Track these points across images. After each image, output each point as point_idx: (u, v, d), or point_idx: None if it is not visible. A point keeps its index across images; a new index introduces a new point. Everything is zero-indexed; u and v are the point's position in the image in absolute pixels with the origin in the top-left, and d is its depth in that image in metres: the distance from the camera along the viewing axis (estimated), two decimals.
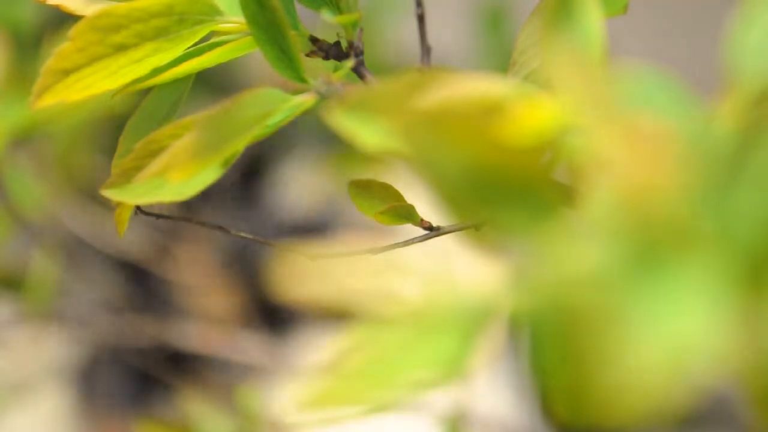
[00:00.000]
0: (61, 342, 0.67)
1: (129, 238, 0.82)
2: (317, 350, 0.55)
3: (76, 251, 0.84)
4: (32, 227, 0.61)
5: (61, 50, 0.31)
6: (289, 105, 0.30)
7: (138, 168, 0.32)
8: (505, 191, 0.24)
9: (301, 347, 0.74)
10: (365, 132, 0.27)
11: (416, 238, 0.37)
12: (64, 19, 0.31)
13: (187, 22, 0.31)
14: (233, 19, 0.32)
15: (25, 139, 0.47)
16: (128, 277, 0.88)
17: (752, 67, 0.27)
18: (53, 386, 0.73)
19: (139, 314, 0.83)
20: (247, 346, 0.69)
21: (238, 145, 0.30)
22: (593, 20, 0.30)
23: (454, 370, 0.30)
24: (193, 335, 0.69)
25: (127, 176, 0.32)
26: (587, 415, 0.23)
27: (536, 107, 0.26)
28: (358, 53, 0.33)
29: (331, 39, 0.35)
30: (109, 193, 0.32)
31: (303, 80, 0.31)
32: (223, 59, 0.32)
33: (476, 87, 0.27)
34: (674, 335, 0.22)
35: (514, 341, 0.49)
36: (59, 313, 0.68)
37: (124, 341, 0.70)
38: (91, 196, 0.65)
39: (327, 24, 0.34)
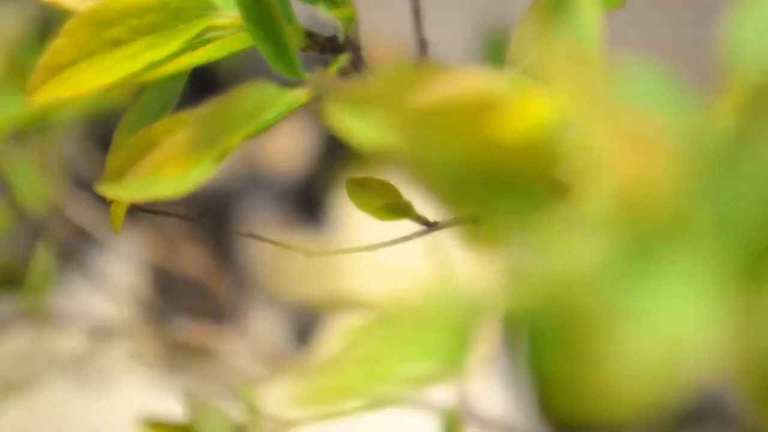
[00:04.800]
0: (64, 338, 0.67)
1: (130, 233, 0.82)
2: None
3: (79, 245, 0.84)
4: (34, 221, 0.61)
5: (56, 46, 0.31)
6: (284, 100, 0.30)
7: (133, 164, 0.32)
8: (499, 187, 0.24)
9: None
10: (359, 127, 0.27)
11: (413, 234, 0.37)
12: (65, 16, 0.31)
13: (181, 17, 0.31)
14: (228, 14, 0.32)
15: (27, 132, 0.47)
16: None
17: (750, 59, 0.26)
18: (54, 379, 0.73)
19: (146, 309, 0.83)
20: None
21: (234, 141, 0.30)
22: (590, 14, 0.30)
23: (450, 366, 0.30)
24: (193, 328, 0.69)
25: (122, 172, 0.32)
26: (584, 412, 0.23)
27: (532, 102, 0.26)
28: (355, 47, 0.33)
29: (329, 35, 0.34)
30: (104, 189, 0.32)
31: (298, 75, 0.31)
32: (218, 54, 0.32)
33: (472, 83, 0.27)
34: (668, 329, 0.22)
35: (511, 339, 0.49)
36: (61, 309, 0.68)
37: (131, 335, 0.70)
38: (90, 189, 0.65)
39: (325, 19, 0.33)
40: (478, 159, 0.24)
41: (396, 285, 0.52)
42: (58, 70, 0.31)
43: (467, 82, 0.27)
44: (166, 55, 0.32)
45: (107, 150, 0.34)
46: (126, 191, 0.31)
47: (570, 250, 0.23)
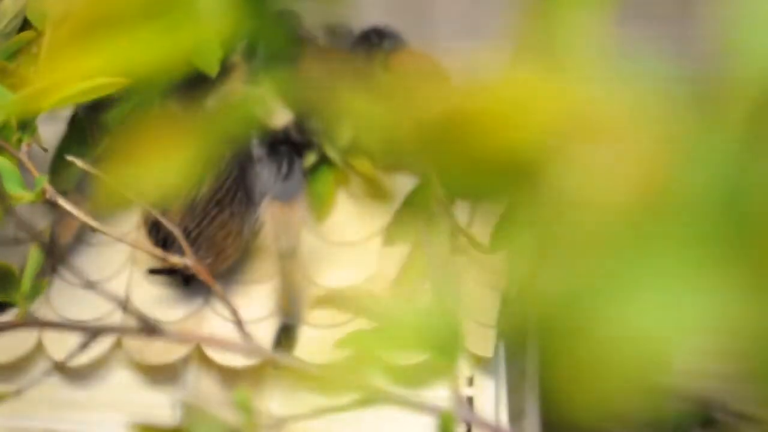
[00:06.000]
0: (57, 337, 0.66)
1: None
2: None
3: (71, 243, 0.83)
4: (26, 219, 0.61)
5: (43, 39, 0.31)
6: (270, 101, 0.30)
7: (124, 153, 0.31)
8: (501, 187, 0.24)
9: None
10: (371, 119, 0.27)
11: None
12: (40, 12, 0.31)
13: (168, 11, 0.31)
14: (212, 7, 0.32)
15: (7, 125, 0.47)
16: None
17: (756, 60, 0.25)
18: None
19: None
20: None
21: (224, 128, 0.30)
22: (591, 10, 0.29)
23: (442, 362, 0.30)
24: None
25: (114, 160, 0.32)
26: (583, 412, 0.22)
27: (532, 106, 0.26)
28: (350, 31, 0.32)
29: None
30: (97, 181, 0.32)
31: (290, 62, 0.30)
32: (207, 48, 0.31)
33: (477, 92, 0.27)
34: (667, 328, 0.21)
35: (508, 341, 0.48)
36: (54, 309, 0.67)
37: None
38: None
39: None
40: (480, 164, 0.24)
41: (379, 281, 0.52)
42: (45, 63, 0.31)
43: (474, 93, 0.26)
44: (155, 50, 0.32)
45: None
46: (117, 179, 0.31)
47: (565, 249, 0.23)
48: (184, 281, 0.53)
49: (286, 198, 0.51)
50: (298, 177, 0.52)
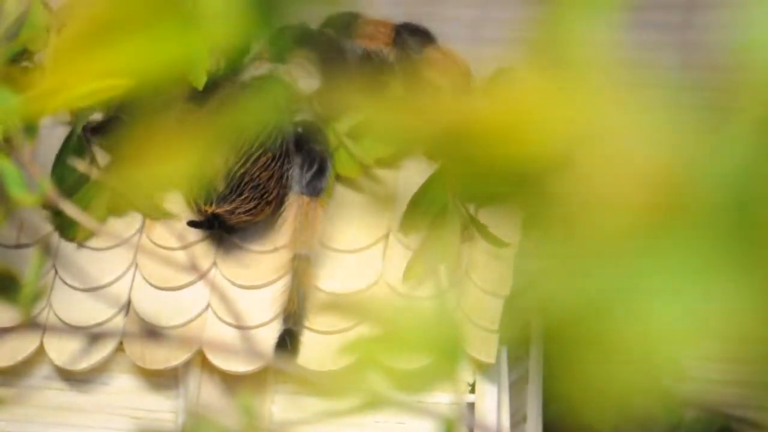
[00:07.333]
0: (57, 341, 0.65)
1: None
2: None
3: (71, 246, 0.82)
4: (27, 221, 0.60)
5: (46, 41, 0.30)
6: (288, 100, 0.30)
7: (135, 156, 0.31)
8: (511, 194, 0.24)
9: None
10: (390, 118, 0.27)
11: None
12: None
13: (169, 12, 0.31)
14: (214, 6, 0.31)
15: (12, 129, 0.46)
16: None
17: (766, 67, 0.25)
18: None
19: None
20: None
21: (226, 125, 0.29)
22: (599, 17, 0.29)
23: (443, 365, 0.30)
24: None
25: (124, 163, 0.32)
26: (591, 414, 0.22)
27: (542, 112, 0.26)
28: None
29: None
30: (104, 181, 0.32)
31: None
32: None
33: (489, 99, 0.27)
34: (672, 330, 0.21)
35: (510, 351, 0.48)
36: (54, 311, 0.67)
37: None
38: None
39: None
40: (493, 169, 0.24)
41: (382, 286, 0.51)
42: (50, 65, 0.31)
43: (487, 99, 0.26)
44: (159, 52, 0.32)
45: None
46: (124, 182, 0.31)
47: (575, 254, 0.23)
48: (226, 231, 0.53)
49: (313, 193, 0.51)
50: (328, 176, 0.51)
